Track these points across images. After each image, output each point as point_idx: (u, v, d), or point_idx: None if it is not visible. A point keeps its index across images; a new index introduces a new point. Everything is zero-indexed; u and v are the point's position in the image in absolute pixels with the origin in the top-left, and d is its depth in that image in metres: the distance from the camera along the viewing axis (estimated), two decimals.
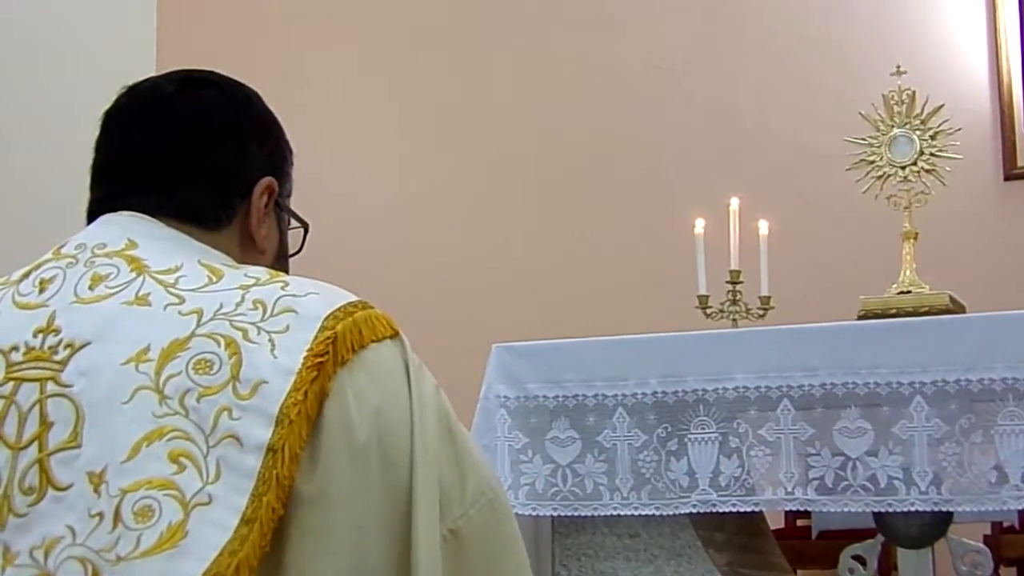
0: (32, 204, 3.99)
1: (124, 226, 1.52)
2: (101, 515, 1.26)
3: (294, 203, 1.72)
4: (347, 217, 6.14)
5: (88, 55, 4.22)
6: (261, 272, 1.45)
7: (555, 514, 3.47)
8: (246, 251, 1.61)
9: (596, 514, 3.42)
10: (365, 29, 6.42)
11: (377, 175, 6.31)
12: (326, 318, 1.37)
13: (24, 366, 1.37)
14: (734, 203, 4.55)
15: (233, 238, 1.60)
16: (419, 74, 6.28)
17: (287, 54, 6.44)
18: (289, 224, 1.70)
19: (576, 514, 3.44)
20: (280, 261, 1.67)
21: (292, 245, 1.72)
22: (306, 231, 1.73)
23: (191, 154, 1.57)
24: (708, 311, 4.48)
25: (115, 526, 1.25)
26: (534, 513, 3.45)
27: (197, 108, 1.60)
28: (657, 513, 3.37)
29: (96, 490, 1.27)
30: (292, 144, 1.70)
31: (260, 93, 1.69)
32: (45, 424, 1.32)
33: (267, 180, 1.62)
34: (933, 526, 3.28)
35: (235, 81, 1.67)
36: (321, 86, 6.40)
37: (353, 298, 1.43)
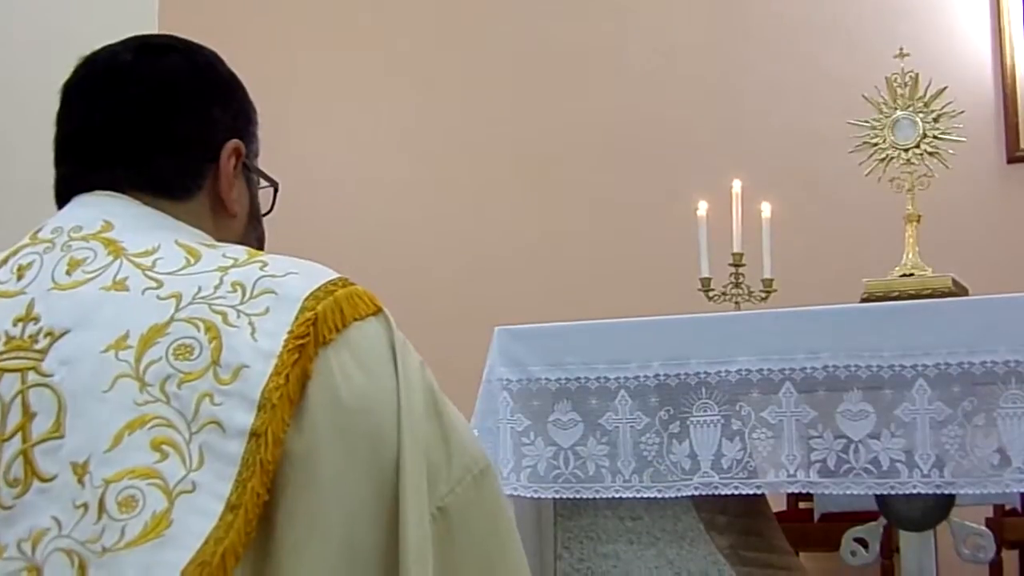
0: (35, 197, 3.97)
1: (99, 206, 1.50)
2: (86, 506, 1.25)
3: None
4: (351, 202, 6.15)
5: (89, 45, 4.20)
6: (239, 252, 1.44)
7: (557, 497, 3.47)
8: (218, 216, 1.58)
9: (598, 497, 3.42)
10: (368, 14, 6.41)
11: (380, 160, 6.30)
12: (306, 298, 1.36)
13: (5, 356, 1.35)
14: (736, 185, 4.55)
15: (204, 206, 1.57)
16: (422, 59, 6.27)
17: (290, 39, 6.43)
18: (259, 184, 1.68)
19: (578, 497, 3.44)
20: (252, 223, 1.65)
21: (263, 205, 1.70)
22: (276, 190, 1.71)
23: (155, 124, 1.54)
24: (711, 294, 4.48)
25: (100, 517, 1.24)
26: (536, 496, 3.45)
27: (158, 75, 1.57)
28: (659, 496, 3.37)
29: (80, 481, 1.26)
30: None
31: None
32: (28, 415, 1.31)
33: (234, 143, 1.59)
34: (935, 509, 3.28)
35: (195, 44, 1.64)
36: (325, 70, 6.39)
37: (334, 275, 1.41)
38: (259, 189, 1.68)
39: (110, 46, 1.61)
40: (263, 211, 1.70)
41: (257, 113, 1.66)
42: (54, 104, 1.60)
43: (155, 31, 4.37)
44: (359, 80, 6.40)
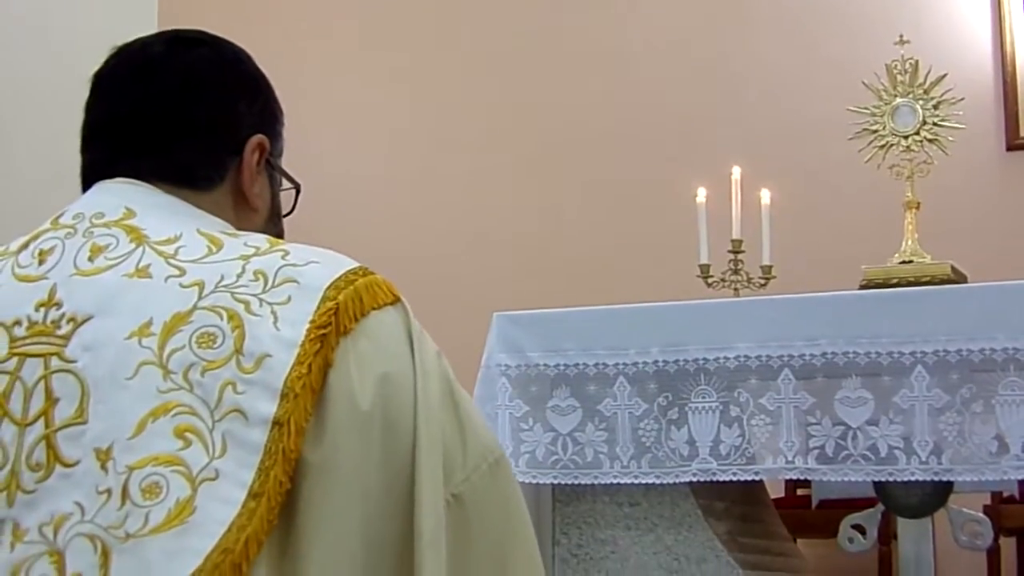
0: (35, 190, 3.98)
1: (121, 194, 1.50)
2: (109, 492, 1.25)
3: (296, 172, 1.71)
4: (352, 189, 6.15)
5: (89, 34, 4.21)
6: (261, 240, 1.45)
7: (555, 482, 3.47)
8: (239, 210, 1.59)
9: (596, 482, 3.42)
10: (366, 4, 6.40)
11: (380, 148, 6.30)
12: (327, 288, 1.37)
13: (27, 341, 1.35)
14: (736, 172, 4.55)
15: (226, 197, 1.58)
16: (420, 48, 6.26)
17: (288, 29, 6.42)
18: (281, 184, 1.69)
19: (576, 482, 3.44)
20: (273, 220, 1.66)
21: (284, 205, 1.71)
22: (298, 191, 1.72)
23: (181, 113, 1.55)
24: (710, 280, 4.48)
25: (123, 503, 1.25)
26: (534, 481, 3.45)
27: (187, 67, 1.58)
28: (657, 482, 3.38)
29: (103, 467, 1.27)
30: (297, 119, 1.69)
31: (263, 72, 1.68)
32: (51, 400, 1.31)
33: (258, 138, 1.60)
34: (933, 496, 3.29)
35: (225, 40, 1.65)
36: (323, 62, 6.39)
37: (354, 264, 1.42)
38: (282, 190, 1.69)
39: (142, 38, 1.63)
40: (284, 211, 1.71)
41: (283, 115, 1.67)
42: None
43: (154, 28, 4.37)
44: (356, 71, 6.38)
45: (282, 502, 1.27)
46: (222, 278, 1.37)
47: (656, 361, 3.39)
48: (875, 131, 3.90)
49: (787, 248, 4.70)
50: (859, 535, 3.42)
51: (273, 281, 1.37)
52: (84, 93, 1.61)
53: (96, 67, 1.62)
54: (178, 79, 1.57)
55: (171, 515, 1.24)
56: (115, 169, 1.54)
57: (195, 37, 1.63)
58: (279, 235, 1.65)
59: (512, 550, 1.44)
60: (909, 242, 3.88)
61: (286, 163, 1.70)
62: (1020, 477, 3.21)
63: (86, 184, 1.57)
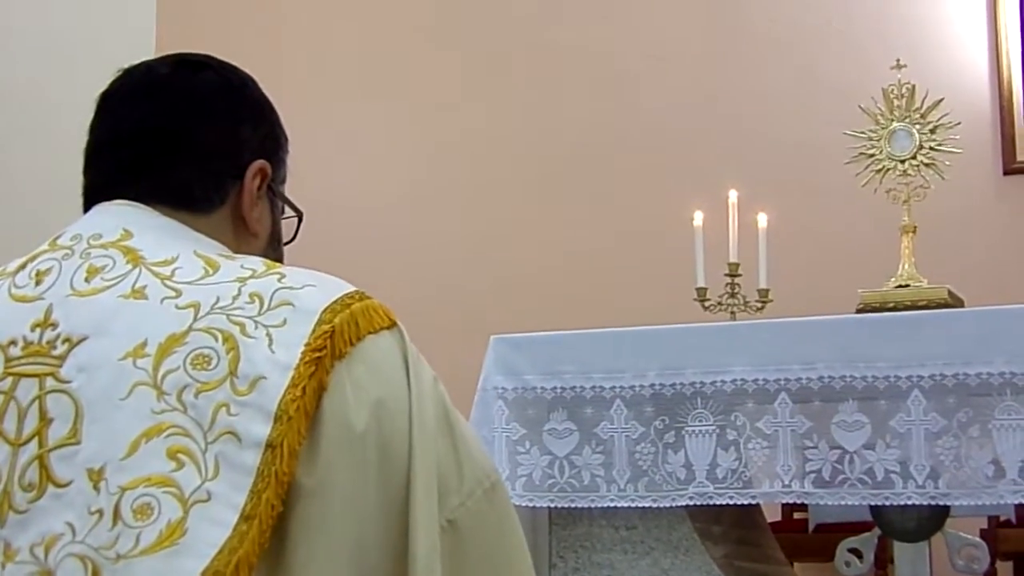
0: (34, 196, 3.98)
1: (119, 215, 1.51)
2: (101, 512, 1.25)
3: (294, 194, 1.71)
4: (348, 211, 6.14)
5: (87, 47, 4.21)
6: (257, 263, 1.45)
7: (552, 506, 3.46)
8: (239, 234, 1.60)
9: (593, 506, 3.42)
10: (365, 22, 6.41)
11: (376, 169, 6.30)
12: (323, 311, 1.37)
13: (23, 361, 1.36)
14: (733, 196, 4.55)
15: (226, 221, 1.58)
16: (417, 67, 6.27)
17: (288, 48, 6.43)
18: (283, 211, 1.69)
19: (573, 506, 3.43)
20: (273, 246, 1.66)
21: (286, 233, 1.71)
22: (300, 219, 1.72)
23: (184, 135, 1.56)
24: (706, 304, 4.48)
25: (115, 524, 1.25)
26: (531, 504, 3.44)
27: (191, 90, 1.59)
28: (654, 505, 3.37)
29: (96, 487, 1.27)
30: (294, 139, 1.70)
31: (261, 87, 1.68)
32: (45, 420, 1.32)
33: (260, 163, 1.61)
34: (930, 520, 3.28)
35: (231, 65, 1.66)
36: (321, 81, 6.39)
37: (350, 288, 1.42)
38: (284, 218, 1.69)
39: (148, 61, 1.64)
40: (286, 239, 1.71)
41: (288, 142, 1.67)
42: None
43: (152, 52, 4.39)
44: (354, 91, 6.39)
45: (274, 525, 1.27)
46: (218, 300, 1.37)
47: (653, 384, 3.39)
48: (872, 155, 3.91)
49: (784, 272, 4.70)
50: (856, 559, 3.41)
51: (269, 303, 1.37)
52: (84, 112, 1.62)
53: (96, 87, 1.62)
54: (181, 101, 1.58)
55: (162, 536, 1.24)
56: (115, 191, 1.54)
57: (201, 61, 1.64)
58: (278, 261, 1.65)
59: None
60: (906, 266, 3.89)
61: (289, 191, 1.71)
62: (1017, 501, 3.19)
63: (87, 205, 1.57)
